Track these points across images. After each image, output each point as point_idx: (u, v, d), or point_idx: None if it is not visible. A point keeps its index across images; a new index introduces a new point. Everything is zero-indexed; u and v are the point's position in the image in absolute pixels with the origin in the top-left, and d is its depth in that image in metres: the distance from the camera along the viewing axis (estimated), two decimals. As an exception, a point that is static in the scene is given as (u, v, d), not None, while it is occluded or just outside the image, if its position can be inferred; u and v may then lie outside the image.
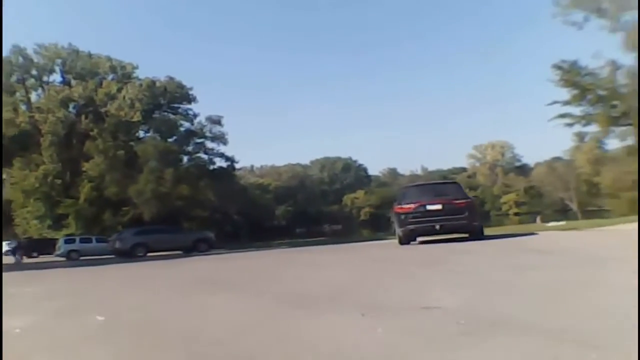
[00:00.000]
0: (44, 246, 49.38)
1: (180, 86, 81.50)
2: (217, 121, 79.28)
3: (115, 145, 74.23)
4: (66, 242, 47.80)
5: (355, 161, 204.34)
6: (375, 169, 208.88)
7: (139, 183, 70.73)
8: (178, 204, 71.71)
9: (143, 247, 37.13)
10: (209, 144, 79.98)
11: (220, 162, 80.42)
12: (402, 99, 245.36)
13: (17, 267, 33.60)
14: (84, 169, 74.06)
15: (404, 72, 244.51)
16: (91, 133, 75.42)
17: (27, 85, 78.52)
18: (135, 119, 73.28)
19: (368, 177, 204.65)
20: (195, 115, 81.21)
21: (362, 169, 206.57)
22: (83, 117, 76.57)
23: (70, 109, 77.41)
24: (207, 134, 79.32)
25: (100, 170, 72.06)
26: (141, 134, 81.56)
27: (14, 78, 77.44)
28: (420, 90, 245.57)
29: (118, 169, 72.66)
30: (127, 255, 36.54)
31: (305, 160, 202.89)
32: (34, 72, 79.11)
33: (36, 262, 41.28)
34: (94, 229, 65.04)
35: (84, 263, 32.67)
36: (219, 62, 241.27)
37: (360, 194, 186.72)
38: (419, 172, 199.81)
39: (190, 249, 37.82)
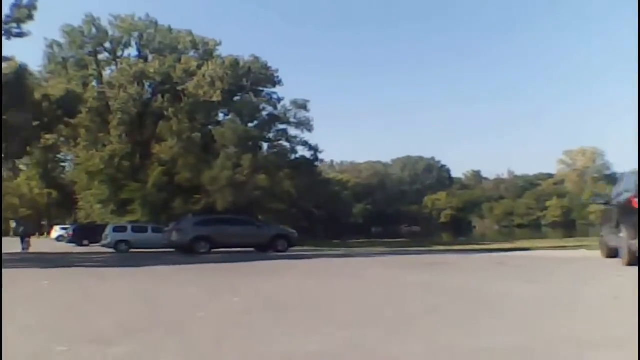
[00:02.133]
0: (100, 233, 40.90)
1: (265, 67, 74.62)
2: (302, 106, 71.56)
3: (191, 128, 68.11)
4: (115, 230, 39.82)
5: (438, 162, 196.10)
6: (458, 171, 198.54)
7: (214, 169, 64.39)
8: (254, 195, 64.29)
9: (206, 241, 29.35)
10: (292, 131, 72.13)
11: (302, 152, 73.08)
12: (492, 99, 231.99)
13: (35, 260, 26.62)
14: (154, 151, 68.57)
15: (493, 71, 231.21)
16: (165, 113, 69.30)
17: (99, 59, 72.28)
18: (215, 99, 66.03)
19: (450, 179, 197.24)
20: (279, 100, 73.56)
21: (444, 170, 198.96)
22: (158, 95, 70.68)
23: (146, 87, 70.71)
24: (292, 119, 71.22)
25: (172, 153, 66.13)
26: (220, 117, 74.44)
27: (85, 50, 72.09)
28: (509, 90, 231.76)
29: (192, 153, 66.59)
30: (186, 250, 29.16)
31: (387, 159, 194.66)
32: (107, 45, 73.20)
33: (71, 253, 34.64)
34: (161, 217, 58.17)
35: (126, 259, 25.84)
36: (306, 45, 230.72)
37: (442, 195, 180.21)
38: (505, 175, 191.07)
39: (266, 247, 30.17)
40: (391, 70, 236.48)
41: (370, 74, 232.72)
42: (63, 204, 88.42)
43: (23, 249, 39.21)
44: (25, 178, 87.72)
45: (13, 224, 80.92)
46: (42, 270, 18.33)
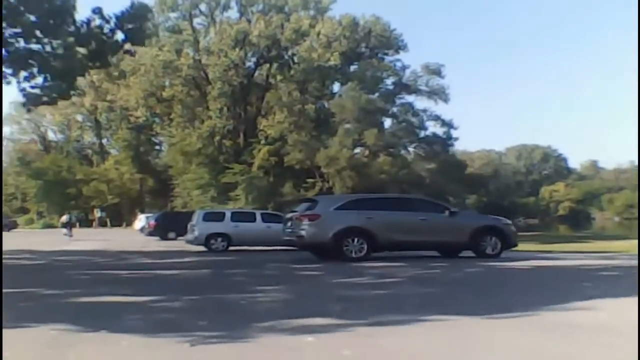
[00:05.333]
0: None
1: (387, 30, 62.86)
2: (436, 71, 59.20)
3: (303, 99, 58.17)
4: (207, 218, 25.04)
5: (554, 150, 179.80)
6: (574, 161, 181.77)
7: (331, 148, 53.54)
8: (379, 178, 52.51)
9: (364, 238, 16.15)
10: (421, 104, 60.06)
11: (433, 128, 60.41)
12: (612, 84, 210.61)
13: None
14: (260, 127, 59.20)
15: (616, 53, 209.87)
16: (272, 82, 59.97)
17: (194, 23, 62.97)
18: (332, 62, 55.29)
19: (568, 169, 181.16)
20: (404, 68, 61.63)
21: (561, 159, 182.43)
22: (263, 64, 61.32)
23: (249, 55, 60.53)
24: (422, 87, 59.01)
25: (281, 129, 56.67)
26: (335, 87, 63.47)
27: (178, 14, 63.53)
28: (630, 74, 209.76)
29: (304, 128, 56.62)
30: (327, 253, 16.63)
31: (500, 147, 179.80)
32: (203, 7, 64.16)
33: (124, 253, 21.93)
34: (268, 204, 47.77)
35: (225, 274, 13.53)
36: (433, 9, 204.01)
37: (560, 186, 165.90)
38: (626, 165, 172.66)
39: (463, 248, 17.32)
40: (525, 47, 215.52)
41: (499, 52, 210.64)
42: (158, 191, 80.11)
43: (68, 235, 37.31)
44: (113, 162, 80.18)
45: (98, 213, 74.06)
46: None
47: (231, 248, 23.23)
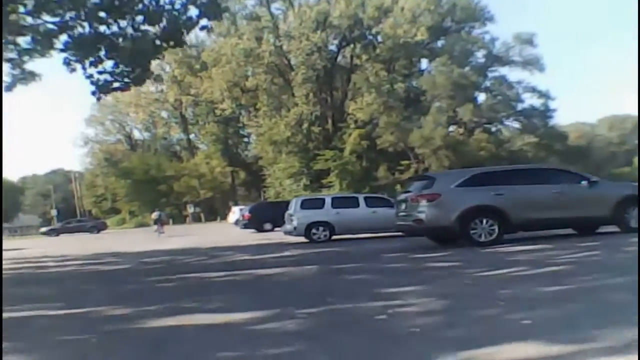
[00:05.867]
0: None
1: (473, 1, 59.91)
2: (528, 40, 55.65)
3: (391, 79, 55.45)
4: (305, 206, 22.55)
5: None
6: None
7: (425, 128, 50.98)
8: (479, 156, 49.85)
9: (496, 217, 13.74)
10: (515, 75, 56.91)
11: (530, 100, 56.83)
12: None
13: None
14: (349, 111, 57.08)
15: None
16: (358, 63, 57.67)
17: (272, 9, 62.34)
18: (419, 37, 52.74)
19: None
20: (493, 40, 58.48)
21: None
22: (347, 45, 59.06)
23: (331, 38, 58.70)
24: (515, 57, 55.67)
25: (371, 111, 54.35)
26: (422, 65, 60.89)
27: (254, 1, 62.75)
28: None
29: (395, 109, 53.65)
30: (447, 238, 14.78)
31: (592, 119, 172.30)
32: (281, -7, 62.57)
33: (217, 250, 19.79)
34: (363, 190, 46.15)
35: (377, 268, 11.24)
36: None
37: None
38: None
39: (605, 222, 14.91)
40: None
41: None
42: (250, 183, 79.62)
43: (158, 232, 37.81)
44: (203, 157, 79.23)
45: (191, 209, 73.28)
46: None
47: (334, 237, 20.93)
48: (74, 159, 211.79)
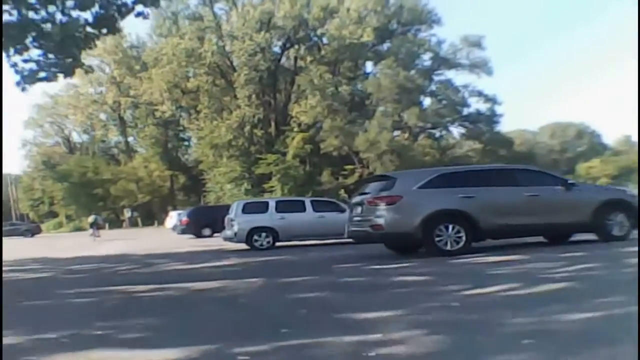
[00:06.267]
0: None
1: (420, 3, 59.08)
2: (476, 43, 55.22)
3: (336, 81, 54.13)
4: (247, 210, 20.38)
5: (587, 127, 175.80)
6: (607, 137, 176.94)
7: (370, 132, 50.11)
8: (423, 161, 48.92)
9: (463, 223, 12.19)
10: (461, 79, 56.55)
11: (477, 104, 56.56)
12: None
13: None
14: (292, 114, 55.46)
15: None
16: (303, 65, 56.59)
17: (215, 8, 60.67)
18: (365, 39, 52.00)
19: (603, 145, 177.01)
20: (439, 43, 57.98)
21: (596, 136, 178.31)
22: (291, 47, 57.92)
23: (275, 39, 57.31)
24: (463, 60, 55.19)
25: (314, 114, 52.79)
26: (367, 68, 60.10)
27: (197, 1, 61.04)
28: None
29: (339, 112, 52.46)
30: (408, 246, 13.44)
31: (533, 127, 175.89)
32: (224, -10, 60.97)
33: (144, 257, 18.10)
34: (306, 195, 44.52)
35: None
36: None
37: (595, 162, 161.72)
38: None
39: (583, 229, 13.42)
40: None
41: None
42: (189, 187, 77.09)
43: (94, 236, 38.13)
44: (142, 160, 77.00)
45: (128, 213, 70.71)
46: None
47: (278, 244, 19.22)
48: (12, 161, 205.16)
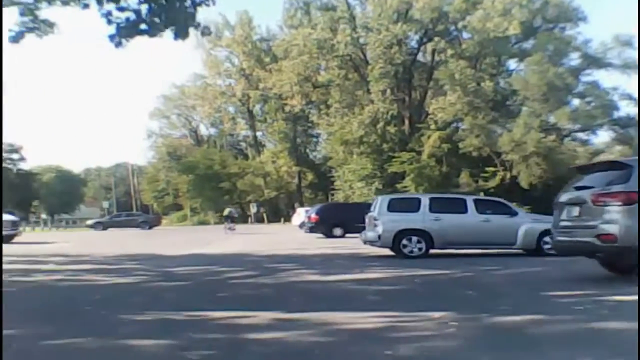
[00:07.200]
0: (361, 216, 19.38)
1: (565, 0, 54.70)
2: (627, 42, 50.23)
3: (478, 77, 50.60)
4: (393, 207, 16.91)
5: None
6: None
7: (515, 132, 46.55)
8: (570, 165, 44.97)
9: None
10: (613, 79, 52.18)
11: (626, 108, 51.53)
12: None
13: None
14: (429, 110, 52.75)
15: None
16: (442, 58, 53.84)
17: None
18: (512, 32, 49.41)
19: None
20: (586, 41, 53.39)
21: None
22: (428, 41, 55.03)
23: (412, 31, 54.81)
24: (614, 60, 50.58)
25: (454, 112, 50.09)
26: (510, 64, 57.09)
27: None
28: None
29: (481, 110, 49.09)
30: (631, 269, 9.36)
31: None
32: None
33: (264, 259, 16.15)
34: (444, 195, 42.03)
35: None
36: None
37: None
38: None
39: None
40: None
41: None
42: (317, 184, 75.87)
43: (229, 229, 38.04)
44: (270, 155, 76.57)
45: (254, 208, 69.35)
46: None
47: (431, 251, 15.83)
48: (135, 152, 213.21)
